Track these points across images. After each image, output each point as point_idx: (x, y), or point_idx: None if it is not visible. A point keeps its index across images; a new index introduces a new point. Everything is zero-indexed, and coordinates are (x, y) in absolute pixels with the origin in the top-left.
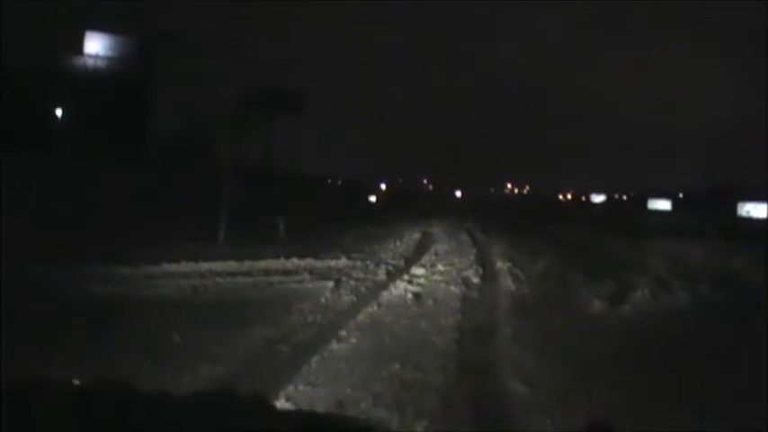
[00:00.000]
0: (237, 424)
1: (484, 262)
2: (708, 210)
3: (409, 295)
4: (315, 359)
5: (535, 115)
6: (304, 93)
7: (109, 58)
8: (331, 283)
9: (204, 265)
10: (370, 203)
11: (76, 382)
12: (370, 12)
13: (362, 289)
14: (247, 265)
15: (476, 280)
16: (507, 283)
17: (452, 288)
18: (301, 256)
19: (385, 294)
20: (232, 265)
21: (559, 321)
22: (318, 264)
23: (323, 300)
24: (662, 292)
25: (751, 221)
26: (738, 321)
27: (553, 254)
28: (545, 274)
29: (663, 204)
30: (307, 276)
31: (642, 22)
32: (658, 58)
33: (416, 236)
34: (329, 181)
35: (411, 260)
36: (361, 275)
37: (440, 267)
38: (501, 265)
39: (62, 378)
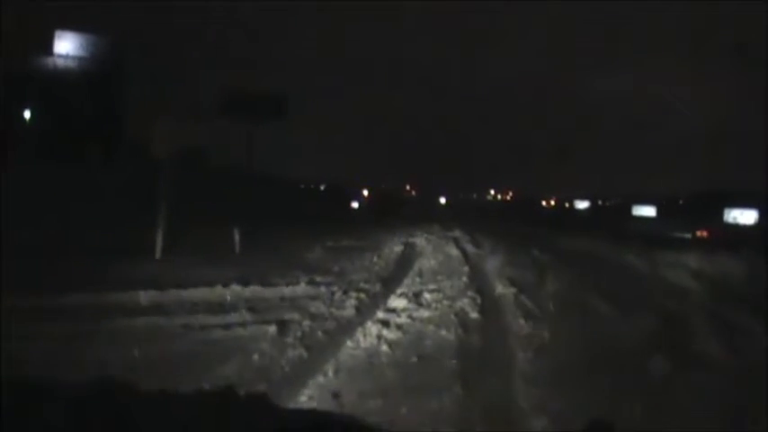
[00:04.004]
0: (239, 424)
1: (480, 285)
2: (693, 216)
3: (384, 347)
4: None
5: (517, 120)
6: (287, 95)
7: (79, 58)
8: (273, 328)
9: (111, 297)
10: (352, 209)
11: (78, 383)
12: (352, 13)
13: (318, 335)
14: (169, 296)
15: (474, 315)
16: (517, 321)
17: (444, 333)
18: (246, 281)
19: (349, 346)
20: (148, 296)
21: (612, 395)
22: (267, 293)
23: (255, 357)
24: (734, 333)
25: (738, 228)
26: None
27: (560, 271)
28: (563, 305)
29: (647, 211)
30: (245, 315)
31: (626, 30)
32: (643, 64)
33: (398, 248)
34: (312, 186)
35: (389, 284)
36: (322, 310)
37: (426, 296)
38: (502, 290)
39: (63, 379)
